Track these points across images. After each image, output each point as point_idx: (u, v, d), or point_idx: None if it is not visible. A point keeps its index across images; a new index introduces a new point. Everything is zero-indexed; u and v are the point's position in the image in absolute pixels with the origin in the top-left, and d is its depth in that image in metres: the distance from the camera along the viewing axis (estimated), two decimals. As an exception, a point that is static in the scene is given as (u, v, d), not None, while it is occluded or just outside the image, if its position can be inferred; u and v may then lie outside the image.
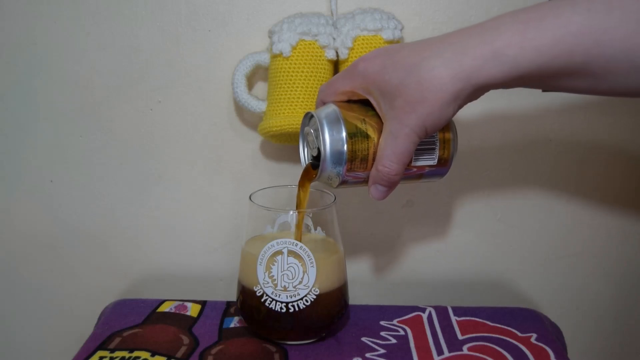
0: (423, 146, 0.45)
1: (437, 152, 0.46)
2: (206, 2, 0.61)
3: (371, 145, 0.44)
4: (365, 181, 0.46)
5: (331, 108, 0.45)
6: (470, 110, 0.64)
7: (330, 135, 0.44)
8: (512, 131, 0.65)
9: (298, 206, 0.52)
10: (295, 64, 0.56)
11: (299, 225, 0.52)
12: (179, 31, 0.62)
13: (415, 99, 0.39)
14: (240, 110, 0.64)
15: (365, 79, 0.43)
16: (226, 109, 0.64)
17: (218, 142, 0.65)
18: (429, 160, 0.46)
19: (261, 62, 0.59)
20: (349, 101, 0.46)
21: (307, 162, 0.49)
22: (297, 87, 0.56)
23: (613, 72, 0.37)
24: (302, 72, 0.56)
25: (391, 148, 0.42)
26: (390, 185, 0.45)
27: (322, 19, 0.57)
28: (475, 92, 0.40)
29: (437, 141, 0.46)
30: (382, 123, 0.43)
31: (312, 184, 0.51)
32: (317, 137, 0.45)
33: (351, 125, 0.44)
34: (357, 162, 0.44)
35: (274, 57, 0.57)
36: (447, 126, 0.46)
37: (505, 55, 0.37)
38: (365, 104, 0.45)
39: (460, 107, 0.41)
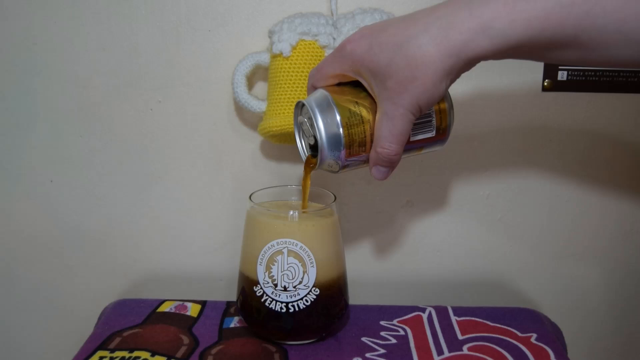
0: (420, 120, 0.45)
1: (434, 124, 0.46)
2: (206, 2, 0.61)
3: (367, 127, 0.44)
4: (366, 162, 0.46)
5: (321, 93, 0.45)
6: (471, 110, 0.64)
7: (325, 123, 0.43)
8: (513, 131, 0.65)
9: (303, 190, 0.53)
10: (295, 64, 0.56)
11: (304, 196, 0.52)
12: (179, 31, 0.62)
13: (406, 78, 0.39)
14: (240, 110, 0.64)
15: (353, 61, 0.42)
16: (226, 109, 0.64)
17: (218, 142, 0.65)
18: (427, 133, 0.46)
19: (261, 62, 0.59)
20: (339, 84, 0.46)
21: (306, 153, 0.49)
22: (297, 87, 0.56)
23: (604, 43, 0.36)
24: (302, 72, 0.56)
25: (388, 129, 0.42)
26: (391, 165, 0.44)
27: (322, 19, 0.57)
28: (467, 65, 0.39)
29: (433, 113, 0.45)
30: (376, 103, 0.43)
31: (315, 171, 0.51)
32: (311, 125, 0.45)
33: (344, 109, 0.43)
34: (355, 145, 0.44)
35: (274, 57, 0.57)
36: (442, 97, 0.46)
37: (494, 29, 0.37)
38: (356, 85, 0.45)
39: (452, 81, 0.40)
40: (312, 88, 0.47)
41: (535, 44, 0.37)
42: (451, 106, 0.46)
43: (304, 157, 0.49)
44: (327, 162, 0.45)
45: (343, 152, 0.44)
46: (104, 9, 0.61)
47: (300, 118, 0.48)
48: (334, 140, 0.43)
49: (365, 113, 0.44)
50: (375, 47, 0.40)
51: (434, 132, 0.46)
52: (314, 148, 0.47)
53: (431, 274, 0.70)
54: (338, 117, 0.43)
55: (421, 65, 0.38)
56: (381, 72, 0.40)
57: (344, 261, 0.56)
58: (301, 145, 0.49)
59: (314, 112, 0.44)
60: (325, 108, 0.44)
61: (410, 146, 0.46)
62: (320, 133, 0.43)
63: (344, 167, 0.45)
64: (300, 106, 0.47)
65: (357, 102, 0.44)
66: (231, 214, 0.67)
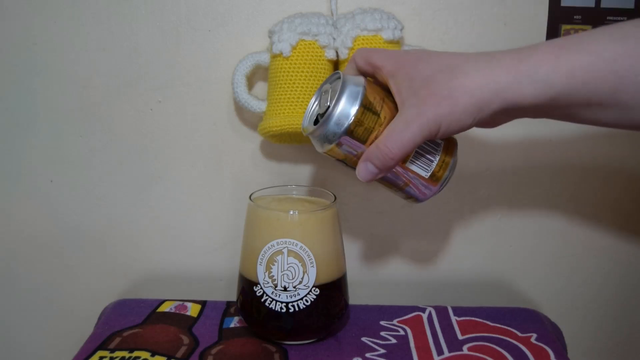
0: (424, 153, 0.45)
1: (433, 167, 0.46)
2: (206, 2, 0.61)
3: (377, 124, 0.44)
4: (355, 158, 0.45)
5: (360, 77, 0.45)
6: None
7: (347, 97, 0.43)
8: (513, 130, 0.65)
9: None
10: (295, 64, 0.56)
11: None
12: (179, 31, 0.62)
13: (441, 94, 0.40)
14: (240, 110, 0.64)
15: (396, 62, 0.43)
16: (226, 109, 0.64)
17: (218, 142, 0.65)
18: (422, 170, 0.46)
19: (261, 62, 0.59)
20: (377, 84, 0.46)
21: (307, 121, 0.48)
22: (297, 87, 0.56)
23: None
24: (302, 72, 0.56)
25: (399, 131, 0.42)
26: (381, 168, 0.43)
27: (322, 19, 0.57)
28: (500, 109, 0.39)
29: (438, 158, 0.46)
30: (396, 112, 0.43)
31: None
32: (332, 95, 0.45)
33: (369, 97, 0.44)
34: (359, 131, 0.44)
35: (274, 57, 0.57)
36: (451, 150, 0.46)
37: (538, 74, 0.38)
38: (389, 91, 0.45)
39: (479, 121, 0.40)
40: (352, 60, 0.47)
41: (574, 97, 0.38)
42: (453, 167, 0.47)
43: (306, 123, 0.48)
44: (327, 130, 0.44)
45: (345, 130, 0.43)
46: (104, 9, 0.61)
47: (326, 86, 0.47)
48: (345, 113, 0.43)
49: (384, 111, 0.44)
50: (424, 60, 0.42)
51: (428, 174, 0.46)
52: (318, 121, 0.46)
53: (431, 274, 0.70)
54: (360, 98, 0.43)
55: (460, 88, 0.39)
56: (419, 81, 0.41)
57: (344, 261, 0.56)
58: (309, 111, 0.48)
59: (344, 84, 0.44)
60: (355, 86, 0.44)
61: (400, 172, 0.45)
62: (337, 101, 0.43)
63: (337, 145, 0.44)
64: (334, 77, 0.47)
65: (384, 100, 0.44)
66: (231, 214, 0.67)
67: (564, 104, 0.39)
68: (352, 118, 0.43)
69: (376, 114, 0.44)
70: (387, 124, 0.43)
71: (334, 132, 0.44)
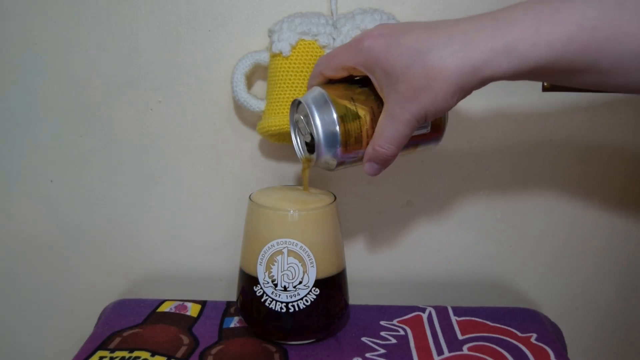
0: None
1: (429, 121, 0.46)
2: (206, 2, 0.61)
3: (363, 123, 0.44)
4: (361, 159, 0.46)
5: (318, 91, 0.45)
6: (471, 110, 0.64)
7: (322, 119, 0.44)
8: (513, 131, 0.65)
9: (304, 183, 0.54)
10: (294, 63, 0.56)
11: (304, 178, 0.53)
12: (179, 31, 0.62)
13: (419, 86, 0.39)
14: (240, 110, 0.64)
15: (369, 57, 0.42)
16: (226, 108, 0.64)
17: (218, 142, 0.65)
18: (422, 129, 0.46)
19: (261, 61, 0.59)
20: (333, 81, 0.46)
21: (302, 152, 0.49)
22: (296, 86, 0.56)
23: (624, 69, 0.36)
24: (302, 71, 0.56)
25: (390, 131, 0.42)
26: (385, 164, 0.45)
27: (322, 18, 0.57)
28: (481, 83, 0.39)
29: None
30: (372, 100, 0.44)
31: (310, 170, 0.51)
32: (307, 122, 0.45)
33: (341, 107, 0.44)
34: (352, 141, 0.44)
35: (274, 56, 0.57)
36: None
37: (517, 50, 0.37)
38: (351, 82, 0.45)
39: (463, 97, 0.41)
40: (319, 74, 0.47)
41: (554, 67, 0.37)
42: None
43: (300, 155, 0.50)
44: (324, 158, 0.45)
45: (339, 149, 0.44)
46: (104, 9, 0.61)
47: (296, 116, 0.48)
48: (331, 136, 0.44)
49: (361, 110, 0.44)
50: (394, 49, 0.40)
51: (429, 129, 0.46)
52: (310, 146, 0.47)
53: (431, 274, 0.70)
54: (334, 114, 0.44)
55: (437, 77, 0.38)
56: (395, 75, 0.40)
57: (344, 261, 0.56)
58: (297, 142, 0.49)
59: (311, 110, 0.44)
60: (321, 105, 0.44)
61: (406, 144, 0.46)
62: (317, 130, 0.44)
63: (340, 163, 0.46)
64: (296, 104, 0.48)
65: (352, 99, 0.44)
66: (231, 214, 0.67)
67: (542, 73, 0.38)
68: (339, 137, 0.44)
69: (356, 116, 0.44)
70: (371, 114, 0.44)
71: (332, 156, 0.45)
